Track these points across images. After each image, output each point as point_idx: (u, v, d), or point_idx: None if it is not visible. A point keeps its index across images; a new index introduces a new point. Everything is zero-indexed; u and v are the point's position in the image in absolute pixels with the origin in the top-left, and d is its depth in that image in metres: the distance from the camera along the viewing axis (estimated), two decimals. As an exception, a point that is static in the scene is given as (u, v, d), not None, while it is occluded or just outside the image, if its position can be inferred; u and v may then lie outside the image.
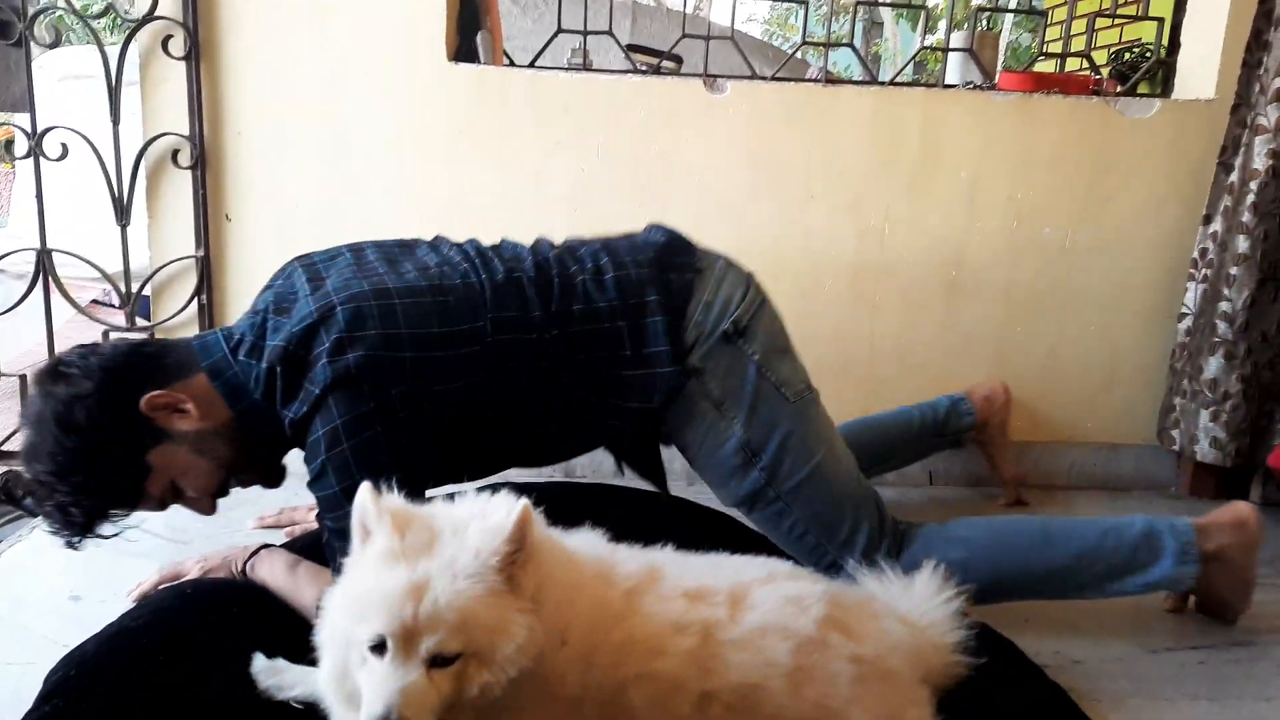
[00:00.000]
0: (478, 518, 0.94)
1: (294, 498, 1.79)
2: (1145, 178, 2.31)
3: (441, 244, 1.57)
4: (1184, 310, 2.33)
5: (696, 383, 1.48)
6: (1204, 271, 2.27)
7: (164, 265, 2.24)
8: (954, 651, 1.21)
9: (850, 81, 2.35)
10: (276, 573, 1.43)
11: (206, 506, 1.44)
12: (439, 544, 0.92)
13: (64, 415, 1.29)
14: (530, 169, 2.24)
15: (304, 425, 1.33)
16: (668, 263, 1.51)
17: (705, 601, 1.05)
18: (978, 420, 2.19)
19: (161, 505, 1.42)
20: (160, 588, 1.47)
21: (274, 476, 1.50)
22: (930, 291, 2.34)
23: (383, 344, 1.32)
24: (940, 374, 2.35)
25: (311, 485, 1.36)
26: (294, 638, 1.24)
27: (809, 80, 2.50)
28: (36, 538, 1.88)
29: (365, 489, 0.96)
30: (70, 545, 1.37)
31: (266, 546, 1.50)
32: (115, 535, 1.41)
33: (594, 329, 1.44)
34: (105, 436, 1.31)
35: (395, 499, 0.99)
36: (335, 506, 1.31)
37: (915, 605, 1.27)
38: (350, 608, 0.91)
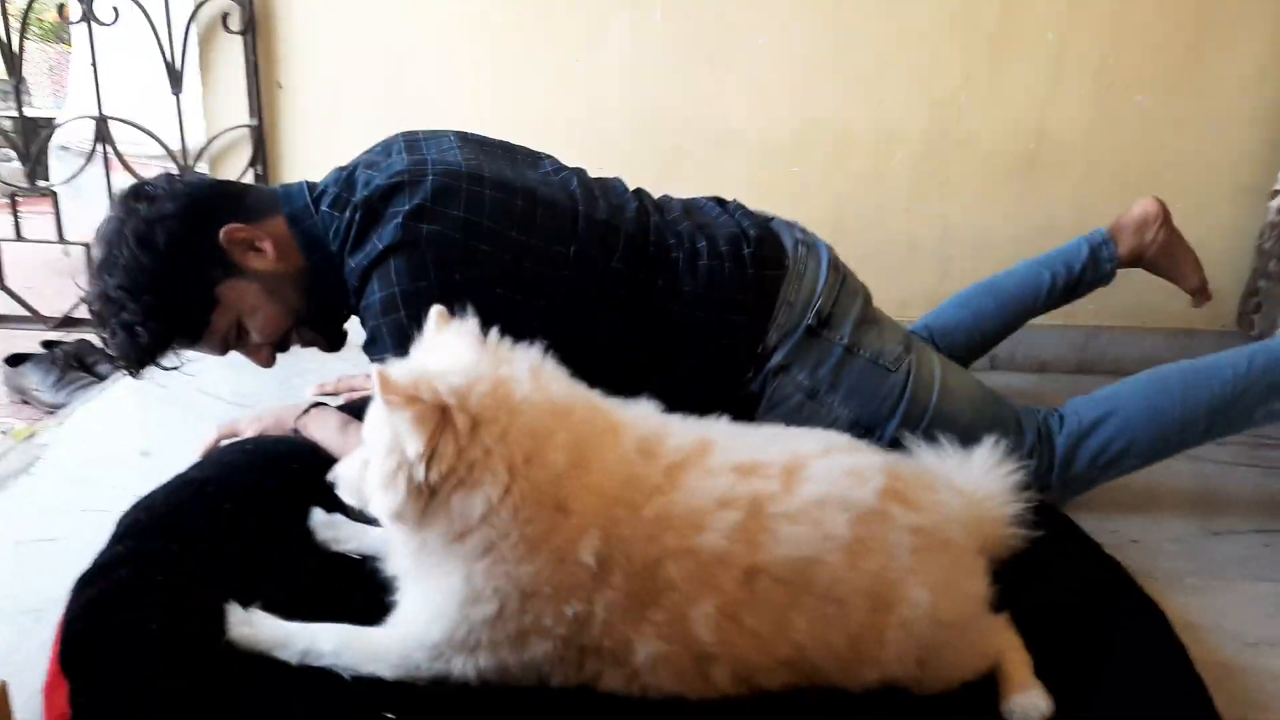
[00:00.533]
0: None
1: (352, 367, 1.81)
2: (1247, 41, 2.12)
3: (548, 161, 1.59)
4: (1278, 188, 2.18)
5: (784, 378, 1.48)
6: None
7: (218, 135, 2.23)
8: (1010, 524, 1.19)
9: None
10: (328, 430, 1.45)
11: (265, 356, 1.45)
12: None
13: (144, 233, 1.31)
14: (586, 35, 2.14)
15: (363, 281, 1.34)
16: (759, 259, 1.48)
17: (757, 475, 1.02)
18: (1131, 255, 1.94)
19: (224, 346, 1.43)
20: (221, 444, 1.51)
21: (336, 339, 1.52)
22: (1008, 166, 2.22)
23: (460, 227, 1.32)
24: (1015, 257, 2.25)
25: (367, 348, 1.37)
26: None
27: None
28: (108, 398, 1.95)
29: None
30: (131, 372, 1.40)
31: (319, 405, 1.52)
32: (174, 369, 1.45)
33: (671, 308, 1.43)
34: (181, 260, 1.32)
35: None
36: (371, 313, 1.33)
37: (973, 478, 1.24)
38: None
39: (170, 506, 1.20)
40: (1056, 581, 1.21)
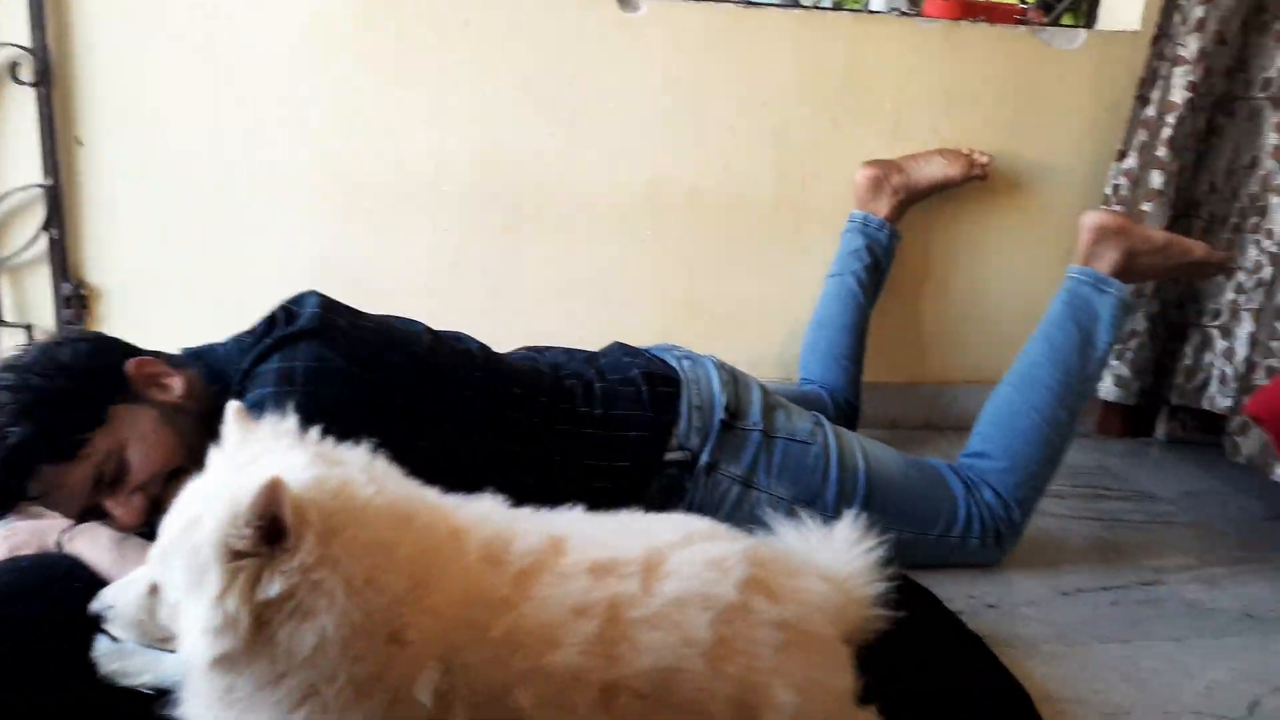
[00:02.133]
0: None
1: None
2: (1067, 112, 2.27)
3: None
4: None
5: (717, 474, 1.53)
6: (1116, 208, 2.24)
7: (6, 195, 1.98)
8: (874, 605, 1.15)
9: (773, 4, 2.22)
10: (100, 549, 1.25)
11: (136, 508, 1.24)
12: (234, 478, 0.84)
13: (50, 347, 1.28)
14: (434, 83, 2.05)
15: (259, 360, 1.28)
16: (649, 377, 1.56)
17: (615, 574, 0.94)
18: (892, 209, 2.14)
19: (93, 482, 1.22)
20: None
21: None
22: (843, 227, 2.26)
23: (374, 333, 1.38)
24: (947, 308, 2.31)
25: (247, 379, 1.27)
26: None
27: (729, 0, 2.36)
28: None
29: (232, 407, 0.93)
30: None
31: (90, 521, 1.32)
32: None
33: (569, 428, 1.47)
34: (79, 370, 1.25)
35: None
36: (262, 402, 1.19)
37: (835, 556, 1.20)
38: None
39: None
40: (923, 666, 1.17)
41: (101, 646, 1.10)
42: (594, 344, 1.73)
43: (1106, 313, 1.67)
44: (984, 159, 2.18)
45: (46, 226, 2.00)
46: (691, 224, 2.21)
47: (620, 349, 1.69)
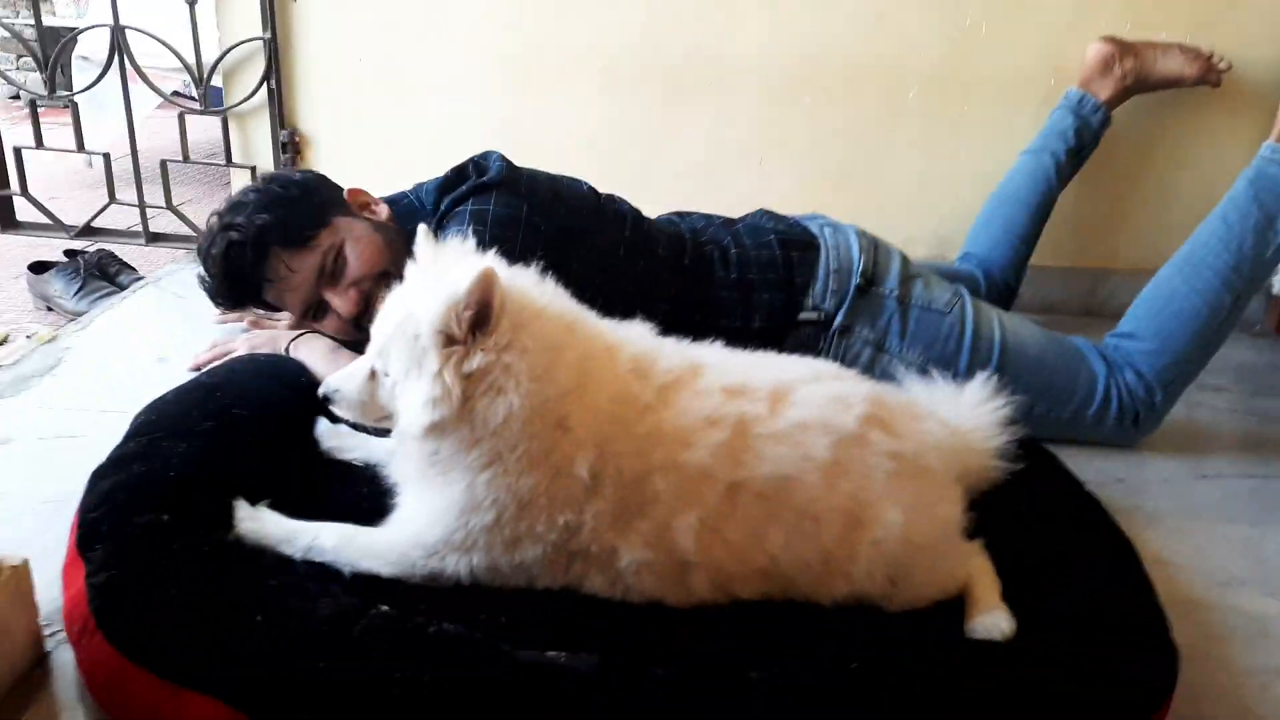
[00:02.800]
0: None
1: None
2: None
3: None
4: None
5: (850, 338, 1.60)
6: None
7: (232, 47, 2.23)
8: (993, 456, 1.22)
9: None
10: (316, 355, 1.50)
11: (354, 300, 1.48)
12: (436, 285, 0.99)
13: (282, 174, 1.63)
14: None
15: (457, 203, 1.48)
16: (784, 243, 1.63)
17: (745, 397, 1.06)
18: (1116, 94, 2.06)
19: (318, 275, 1.47)
20: (230, 358, 1.56)
21: None
22: (1022, 103, 2.18)
23: (547, 186, 1.54)
24: (1109, 192, 2.24)
25: (446, 218, 1.48)
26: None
27: None
28: (128, 307, 2.00)
29: (423, 229, 1.09)
30: (219, 295, 1.54)
31: (313, 332, 1.56)
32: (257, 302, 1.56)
33: (706, 290, 1.58)
34: (309, 186, 1.55)
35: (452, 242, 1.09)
36: (461, 226, 1.41)
37: (962, 412, 1.27)
38: None
39: (182, 408, 1.25)
40: (1033, 513, 1.24)
41: (322, 427, 1.33)
42: (745, 210, 1.80)
43: None
44: (1224, 64, 2.04)
45: (266, 77, 2.24)
46: (850, 94, 2.20)
47: (764, 214, 1.75)
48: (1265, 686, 1.09)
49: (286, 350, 1.54)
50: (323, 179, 1.60)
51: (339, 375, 1.10)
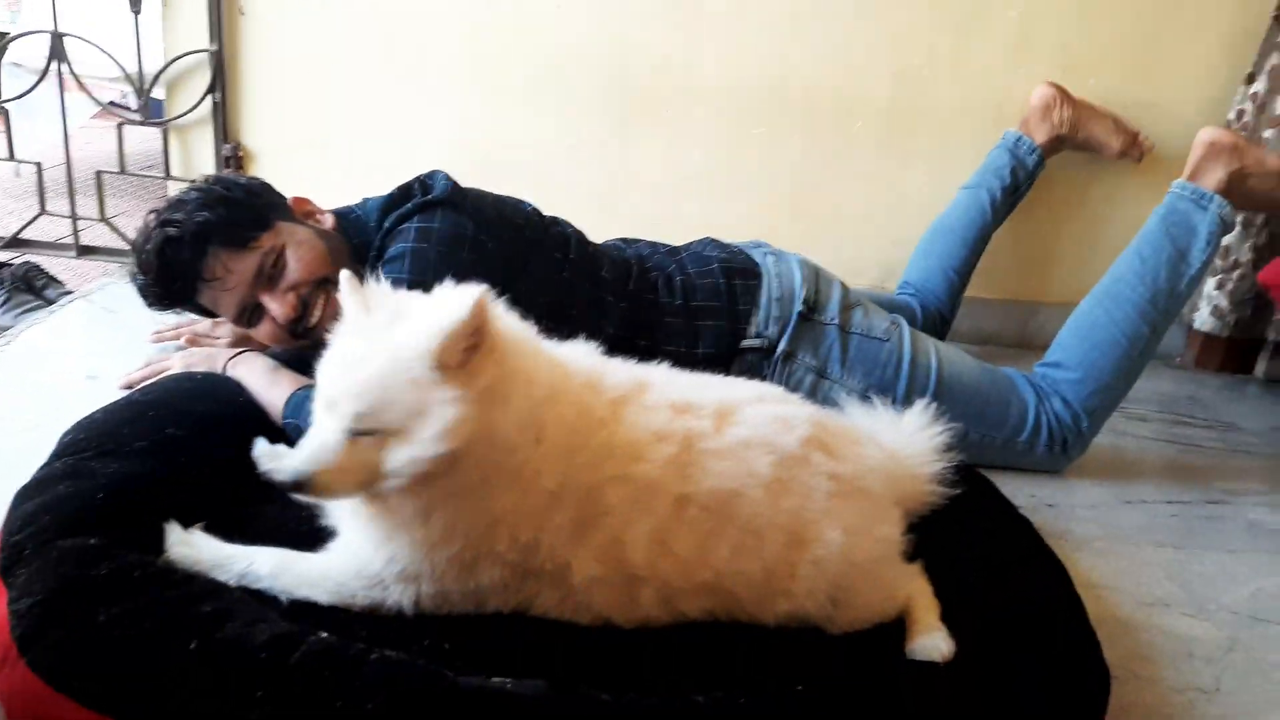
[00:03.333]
0: (439, 306, 0.95)
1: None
2: (1202, 32, 2.18)
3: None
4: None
5: (794, 363, 1.63)
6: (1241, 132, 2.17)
7: (176, 58, 2.18)
8: (930, 481, 1.25)
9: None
10: (256, 375, 1.46)
11: (291, 304, 1.45)
12: (397, 325, 0.94)
13: (225, 176, 1.57)
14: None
15: (404, 219, 1.46)
16: (728, 272, 1.66)
17: (691, 414, 1.08)
18: (1050, 141, 2.15)
19: (256, 275, 1.44)
20: (164, 375, 1.52)
21: None
22: (964, 140, 2.26)
23: (492, 206, 1.55)
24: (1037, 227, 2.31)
25: (382, 265, 1.43)
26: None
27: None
28: (55, 322, 1.94)
29: (345, 275, 1.00)
30: (160, 291, 1.48)
31: (251, 350, 1.54)
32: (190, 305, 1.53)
33: (650, 316, 1.60)
34: (254, 189, 1.53)
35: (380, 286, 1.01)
36: (396, 260, 1.41)
37: (902, 437, 1.31)
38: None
39: (112, 427, 1.22)
40: (969, 537, 1.27)
41: (259, 448, 1.29)
42: (696, 236, 1.82)
43: (1204, 229, 1.66)
44: (1148, 144, 2.17)
45: (211, 90, 2.20)
46: (803, 125, 2.25)
47: (709, 242, 1.78)
48: (1191, 704, 1.13)
49: (224, 369, 1.50)
50: (267, 185, 1.58)
51: (306, 455, 0.93)
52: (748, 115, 2.25)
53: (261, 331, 1.52)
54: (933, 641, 1.06)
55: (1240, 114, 2.14)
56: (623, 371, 1.11)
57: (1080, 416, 1.66)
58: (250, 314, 1.49)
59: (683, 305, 1.62)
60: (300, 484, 0.92)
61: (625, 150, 2.28)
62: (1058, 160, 2.24)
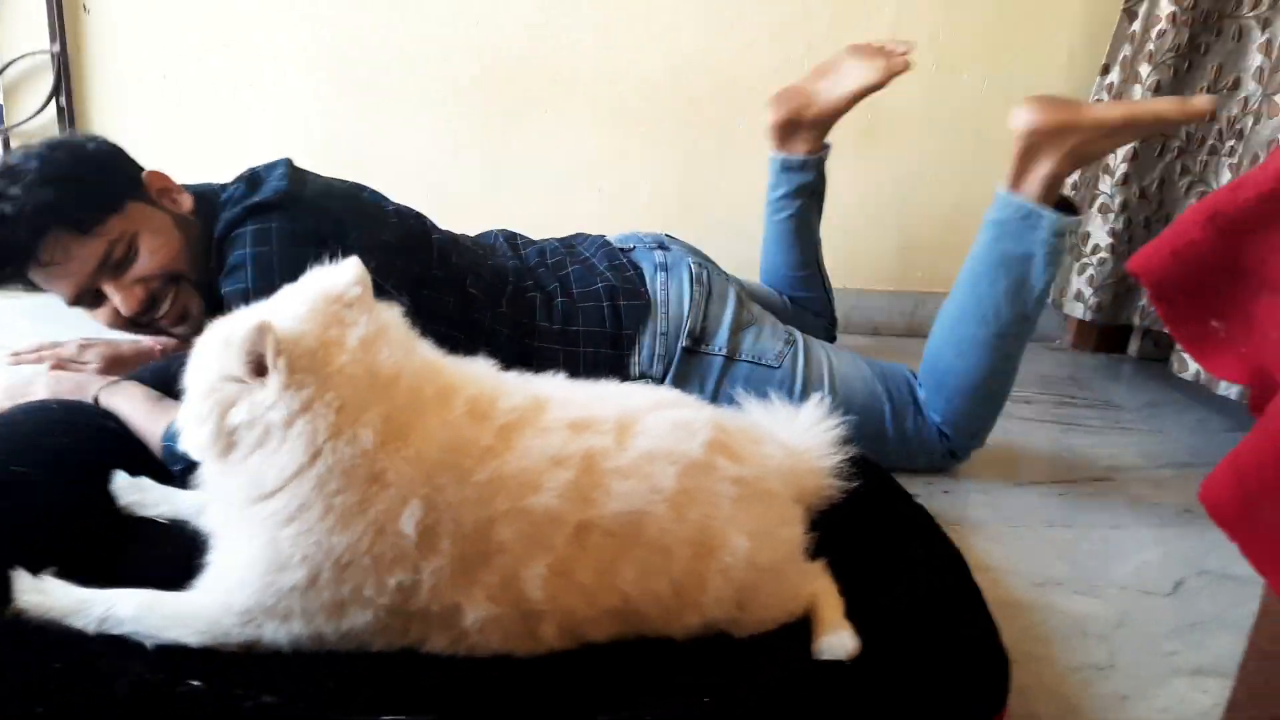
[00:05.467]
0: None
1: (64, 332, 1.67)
2: (1062, 27, 2.28)
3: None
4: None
5: None
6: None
7: (14, 60, 2.01)
8: (828, 475, 1.24)
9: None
10: (135, 404, 1.35)
11: (136, 299, 1.35)
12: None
13: (77, 138, 1.42)
14: None
15: (236, 224, 1.34)
16: (613, 291, 1.58)
17: (590, 431, 1.03)
18: (811, 143, 1.92)
19: (101, 263, 1.33)
20: (19, 402, 1.38)
21: (214, 308, 1.34)
22: (846, 137, 2.28)
23: (340, 201, 1.43)
24: (852, 221, 2.34)
25: (225, 279, 1.32)
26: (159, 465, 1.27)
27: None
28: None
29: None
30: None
31: (129, 380, 1.41)
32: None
33: (527, 341, 1.52)
34: (103, 161, 1.37)
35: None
36: (237, 270, 1.30)
37: (798, 432, 1.30)
38: None
39: (-55, 467, 1.09)
40: (867, 529, 1.28)
41: (119, 481, 1.20)
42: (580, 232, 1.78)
43: (1039, 251, 1.48)
44: (902, 48, 1.83)
45: (54, 94, 2.04)
46: (689, 120, 2.25)
47: (601, 248, 1.69)
48: (1089, 683, 1.16)
49: (96, 399, 1.37)
50: (118, 154, 1.42)
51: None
52: (632, 111, 2.24)
53: (99, 315, 1.41)
54: (839, 639, 1.05)
55: (1099, 102, 2.25)
56: (519, 392, 1.05)
57: (953, 438, 1.63)
58: (88, 299, 1.38)
59: (560, 330, 1.54)
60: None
61: (509, 147, 2.24)
62: (929, 151, 2.29)
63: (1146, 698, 1.14)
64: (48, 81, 2.03)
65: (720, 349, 1.58)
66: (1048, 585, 1.38)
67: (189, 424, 0.92)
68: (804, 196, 1.98)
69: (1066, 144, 1.44)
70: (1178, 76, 2.17)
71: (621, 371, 1.55)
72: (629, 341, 1.56)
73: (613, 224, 1.82)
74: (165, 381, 1.38)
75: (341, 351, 0.93)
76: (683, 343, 1.57)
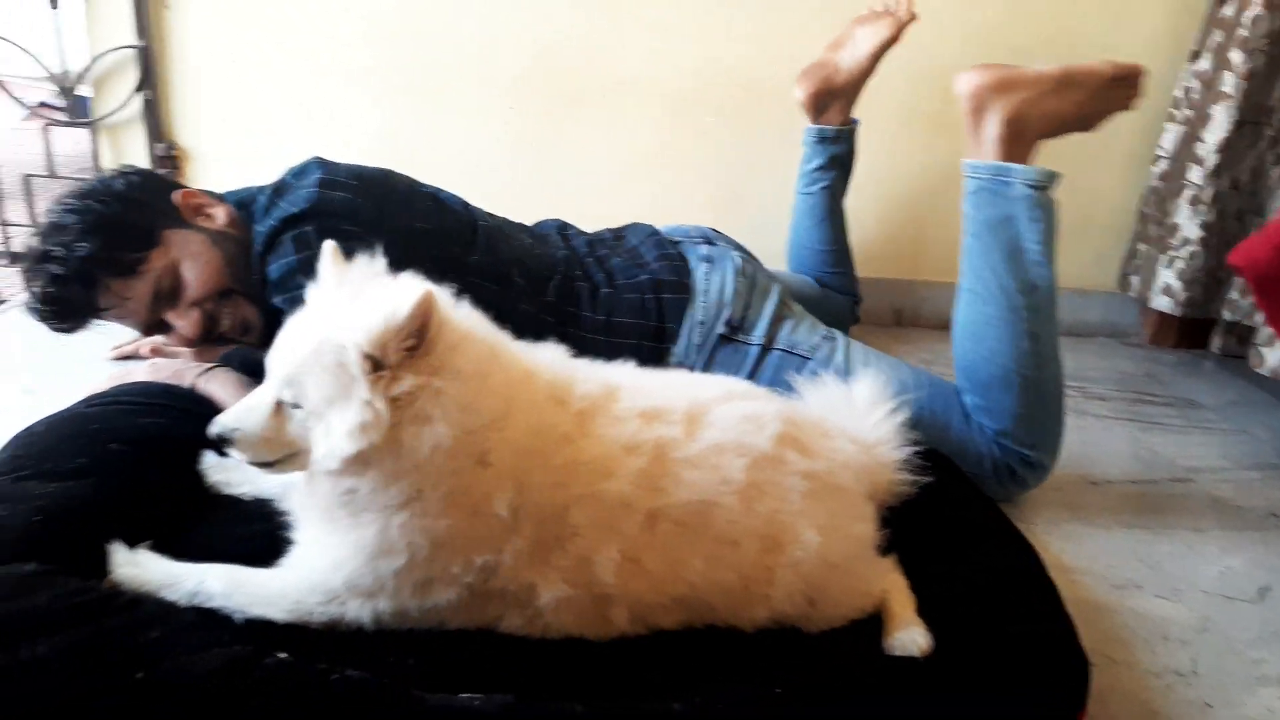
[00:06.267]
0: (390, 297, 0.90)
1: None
2: (1142, 9, 2.19)
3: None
4: (1159, 154, 2.28)
5: None
6: (1185, 113, 2.19)
7: (101, 55, 2.09)
8: (899, 469, 1.23)
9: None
10: (228, 389, 1.40)
11: (195, 323, 1.40)
12: (351, 305, 0.91)
13: (105, 180, 1.41)
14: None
15: (274, 237, 1.35)
16: (656, 284, 1.57)
17: (661, 421, 1.04)
18: (844, 117, 1.99)
19: (152, 298, 1.38)
20: (117, 385, 1.44)
21: (271, 316, 1.41)
22: (910, 122, 2.25)
23: (368, 196, 1.40)
24: (916, 211, 2.30)
25: (274, 291, 1.35)
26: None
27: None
28: (-14, 335, 1.85)
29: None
30: (52, 317, 1.40)
31: (223, 366, 1.47)
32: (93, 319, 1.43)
33: (570, 330, 1.50)
34: (134, 198, 1.40)
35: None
36: (286, 280, 1.32)
37: (858, 417, 1.26)
38: None
39: (51, 443, 1.15)
40: (940, 524, 1.25)
41: (208, 460, 1.24)
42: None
43: (1020, 210, 1.42)
44: (903, 11, 1.91)
45: (140, 87, 2.11)
46: (738, 116, 2.23)
47: (649, 238, 1.69)
48: (1170, 688, 1.13)
49: (193, 384, 1.42)
50: (148, 182, 1.46)
51: (236, 411, 0.96)
52: (685, 104, 2.23)
53: (173, 340, 1.46)
54: (911, 636, 1.04)
55: (1187, 91, 2.16)
56: (592, 379, 1.06)
57: (1011, 451, 1.48)
58: (158, 328, 1.44)
59: (605, 321, 1.54)
60: (223, 438, 0.95)
61: (561, 141, 2.25)
62: (922, 136, 2.24)
63: (1231, 706, 1.11)
64: (133, 75, 2.10)
65: (758, 339, 1.57)
66: (1127, 588, 1.34)
67: (345, 420, 0.89)
68: (836, 168, 2.03)
69: (1011, 101, 1.43)
70: (1272, 63, 2.08)
71: (660, 363, 1.54)
72: (670, 334, 1.56)
73: (660, 219, 1.82)
74: (254, 366, 1.43)
75: (453, 331, 0.95)
76: (720, 330, 1.56)
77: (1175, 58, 2.21)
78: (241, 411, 0.95)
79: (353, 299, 0.94)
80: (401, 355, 0.89)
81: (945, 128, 2.25)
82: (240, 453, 0.96)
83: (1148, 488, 1.67)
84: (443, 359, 0.91)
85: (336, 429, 0.90)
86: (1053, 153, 2.26)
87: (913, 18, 1.91)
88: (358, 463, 0.90)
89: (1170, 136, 2.23)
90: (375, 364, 0.89)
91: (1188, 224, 2.23)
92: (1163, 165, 2.26)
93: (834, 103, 1.98)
